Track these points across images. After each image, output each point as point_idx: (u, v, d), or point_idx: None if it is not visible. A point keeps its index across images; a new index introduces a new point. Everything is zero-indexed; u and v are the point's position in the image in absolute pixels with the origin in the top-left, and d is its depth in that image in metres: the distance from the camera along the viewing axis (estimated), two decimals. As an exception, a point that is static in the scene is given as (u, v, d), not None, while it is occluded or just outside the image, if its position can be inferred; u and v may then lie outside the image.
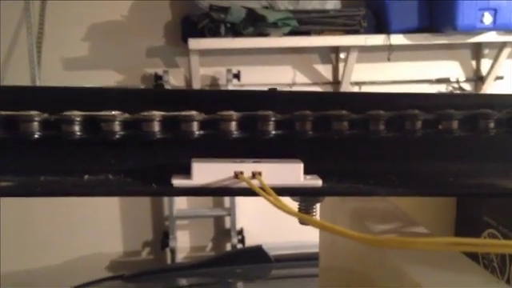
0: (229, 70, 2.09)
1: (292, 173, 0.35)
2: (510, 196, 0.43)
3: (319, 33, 2.01)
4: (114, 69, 2.16)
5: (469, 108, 0.37)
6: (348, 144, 0.37)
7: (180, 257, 2.24)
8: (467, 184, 0.38)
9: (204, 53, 2.05)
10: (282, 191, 0.34)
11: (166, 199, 2.23)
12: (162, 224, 2.29)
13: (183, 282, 1.55)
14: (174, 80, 2.18)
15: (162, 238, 2.22)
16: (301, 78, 2.25)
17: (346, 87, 2.19)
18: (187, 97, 0.37)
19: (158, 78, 2.12)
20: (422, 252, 0.36)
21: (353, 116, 0.36)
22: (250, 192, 0.34)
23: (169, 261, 2.23)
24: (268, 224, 2.14)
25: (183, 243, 2.29)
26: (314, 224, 0.32)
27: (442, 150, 0.38)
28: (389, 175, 0.37)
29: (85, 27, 2.12)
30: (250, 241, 2.20)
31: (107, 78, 2.14)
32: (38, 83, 2.02)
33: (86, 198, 1.99)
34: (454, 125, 0.36)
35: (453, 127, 0.36)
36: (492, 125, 0.36)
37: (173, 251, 2.17)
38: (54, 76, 2.09)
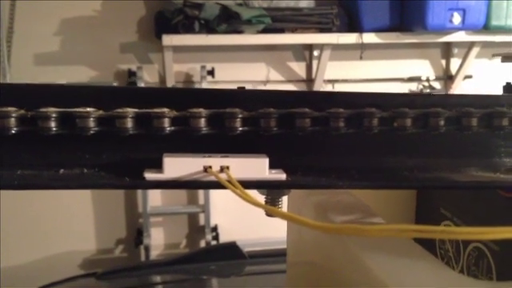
0: (203, 67, 2.10)
1: (258, 167, 0.37)
2: (460, 188, 0.46)
3: (293, 30, 2.04)
4: (87, 64, 2.15)
5: (421, 107, 0.40)
6: (311, 140, 0.40)
7: (154, 254, 2.24)
8: (421, 177, 0.40)
9: (178, 49, 2.05)
10: (248, 184, 0.36)
11: (139, 196, 2.23)
12: (136, 221, 2.28)
13: (157, 279, 1.55)
14: (148, 76, 2.18)
15: (136, 235, 2.22)
16: (275, 76, 2.27)
17: (319, 85, 2.23)
18: (159, 94, 0.39)
19: (131, 74, 2.11)
20: (382, 244, 0.38)
21: (315, 114, 0.38)
22: (218, 185, 0.36)
23: (143, 258, 2.23)
24: (242, 221, 2.16)
25: (157, 240, 2.29)
26: (279, 215, 0.34)
27: (397, 145, 0.41)
28: (349, 169, 0.40)
29: (56, 22, 2.09)
30: (224, 237, 2.22)
31: (80, 74, 2.12)
32: (9, 78, 1.99)
33: (58, 195, 1.97)
34: (408, 122, 0.39)
35: (406, 125, 0.39)
36: (442, 122, 0.39)
37: (147, 248, 2.16)
38: (24, 72, 2.07)
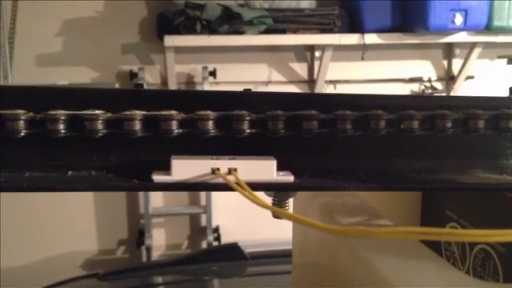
0: (205, 68, 2.10)
1: (265, 169, 0.37)
2: (466, 190, 0.46)
3: (294, 31, 2.04)
4: (89, 65, 2.15)
5: (428, 109, 0.40)
6: (318, 142, 0.40)
7: (156, 255, 2.24)
8: (427, 179, 0.40)
9: (180, 50, 2.05)
10: (256, 186, 0.36)
11: (141, 197, 2.23)
12: (138, 222, 2.28)
13: (159, 279, 1.55)
14: (150, 77, 2.18)
15: (138, 236, 2.22)
16: (276, 76, 2.27)
17: (321, 86, 2.23)
18: (167, 97, 0.39)
19: (133, 75, 2.11)
20: (388, 245, 0.38)
21: (322, 116, 0.38)
22: (226, 187, 0.36)
23: (144, 259, 2.23)
24: (244, 221, 2.16)
25: (159, 241, 2.29)
26: (286, 216, 0.34)
27: (404, 147, 0.41)
28: (356, 171, 0.40)
29: (58, 23, 2.09)
30: (226, 238, 2.22)
31: (81, 75, 2.12)
32: (10, 79, 2.00)
33: (60, 195, 1.97)
34: (415, 124, 0.39)
35: (413, 127, 0.39)
36: (449, 124, 0.39)
37: (148, 249, 2.16)
38: (26, 72, 2.07)
